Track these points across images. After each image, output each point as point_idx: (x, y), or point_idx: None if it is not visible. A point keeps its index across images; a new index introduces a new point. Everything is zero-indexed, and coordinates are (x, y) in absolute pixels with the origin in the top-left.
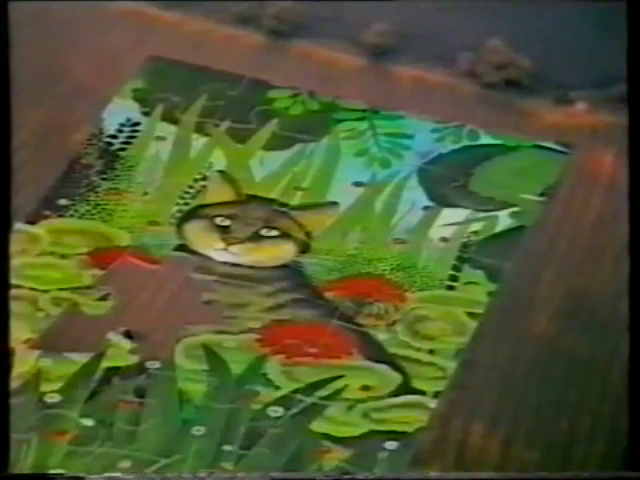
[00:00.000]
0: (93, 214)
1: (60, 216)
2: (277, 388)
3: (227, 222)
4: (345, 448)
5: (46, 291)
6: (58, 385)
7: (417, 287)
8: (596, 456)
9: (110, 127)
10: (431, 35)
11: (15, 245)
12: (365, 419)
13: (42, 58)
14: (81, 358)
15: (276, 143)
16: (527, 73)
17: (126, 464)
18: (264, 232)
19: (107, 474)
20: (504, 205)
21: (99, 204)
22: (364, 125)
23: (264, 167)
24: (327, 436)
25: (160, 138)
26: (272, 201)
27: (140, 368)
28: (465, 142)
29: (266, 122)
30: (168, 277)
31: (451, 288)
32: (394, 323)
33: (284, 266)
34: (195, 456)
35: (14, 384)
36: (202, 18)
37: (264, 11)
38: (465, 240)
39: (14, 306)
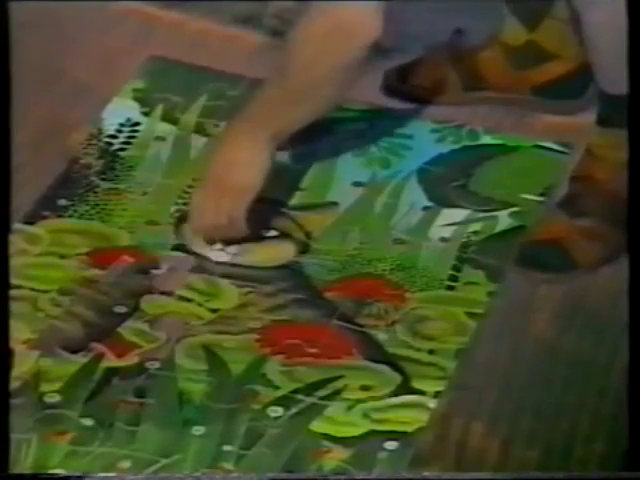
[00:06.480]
0: (92, 214)
1: (59, 216)
2: (277, 388)
3: None
4: (345, 448)
5: (46, 291)
6: (58, 385)
7: (417, 287)
8: (596, 456)
9: (110, 127)
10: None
11: (15, 245)
12: (365, 419)
13: (42, 58)
14: (81, 358)
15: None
16: None
17: (126, 464)
18: (263, 232)
19: (107, 474)
20: (504, 205)
21: (98, 204)
22: (364, 125)
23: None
24: (327, 436)
25: (160, 138)
26: (272, 201)
27: (140, 368)
28: (465, 142)
29: None
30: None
31: (451, 288)
32: (394, 323)
33: (284, 266)
34: (195, 456)
35: (14, 384)
36: (202, 18)
37: (264, 11)
38: (465, 240)
39: (14, 306)
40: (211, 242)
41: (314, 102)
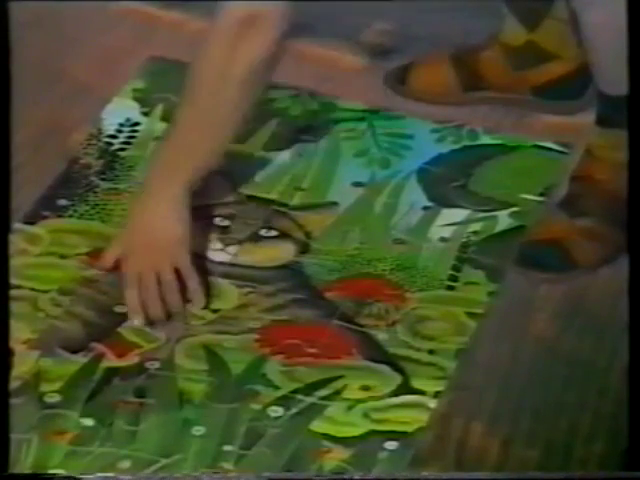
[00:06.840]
0: (92, 214)
1: (59, 216)
2: (277, 388)
3: (226, 222)
4: (345, 448)
5: (46, 291)
6: (58, 385)
7: (417, 287)
8: (596, 456)
9: (110, 127)
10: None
11: (15, 245)
12: (365, 419)
13: (42, 58)
14: (81, 358)
15: (276, 143)
16: None
17: (126, 464)
18: (263, 232)
19: (107, 474)
20: (504, 205)
21: (98, 204)
22: (364, 125)
23: (264, 167)
24: (327, 436)
25: (160, 138)
26: (272, 201)
27: (140, 368)
28: (465, 142)
29: (266, 122)
30: None
31: (451, 288)
32: (394, 323)
33: (284, 266)
34: (195, 456)
35: (14, 384)
36: (202, 18)
37: None
38: (465, 240)
39: (14, 306)
40: (153, 318)
41: (228, 120)
